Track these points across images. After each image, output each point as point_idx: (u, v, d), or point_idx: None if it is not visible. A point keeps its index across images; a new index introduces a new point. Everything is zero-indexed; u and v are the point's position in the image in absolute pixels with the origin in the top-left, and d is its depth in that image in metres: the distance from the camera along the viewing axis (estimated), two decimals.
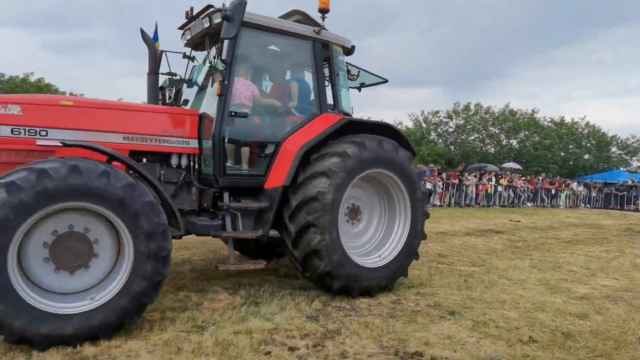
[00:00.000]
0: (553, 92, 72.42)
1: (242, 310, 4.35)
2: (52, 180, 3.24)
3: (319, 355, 3.45)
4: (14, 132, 3.86)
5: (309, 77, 5.62)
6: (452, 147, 43.81)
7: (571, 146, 46.12)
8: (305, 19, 5.49)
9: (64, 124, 4.08)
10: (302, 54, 5.41)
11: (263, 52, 5.49)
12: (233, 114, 4.76)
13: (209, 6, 4.92)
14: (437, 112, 45.86)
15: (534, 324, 4.36)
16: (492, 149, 45.70)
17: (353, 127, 5.18)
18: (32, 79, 39.64)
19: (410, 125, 45.98)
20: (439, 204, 19.20)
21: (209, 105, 5.11)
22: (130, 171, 3.99)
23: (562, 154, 45.71)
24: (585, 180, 31.30)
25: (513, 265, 7.40)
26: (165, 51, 5.38)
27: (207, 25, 4.91)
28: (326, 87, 5.58)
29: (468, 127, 45.59)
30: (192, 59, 5.77)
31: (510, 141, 46.00)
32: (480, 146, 45.66)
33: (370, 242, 5.54)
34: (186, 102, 5.75)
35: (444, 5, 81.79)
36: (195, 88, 5.69)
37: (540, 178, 26.92)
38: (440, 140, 46.01)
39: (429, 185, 17.91)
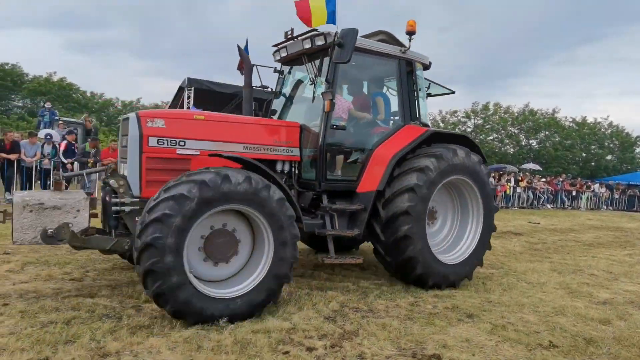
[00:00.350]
0: (575, 92, 71.12)
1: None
2: (210, 189, 3.77)
3: (336, 355, 3.46)
4: (159, 143, 4.40)
5: (387, 91, 6.25)
6: None
7: (593, 147, 45.18)
8: (389, 38, 5.96)
9: (198, 136, 4.61)
10: (389, 71, 5.96)
11: (357, 70, 5.98)
12: (334, 126, 5.26)
13: (313, 29, 5.38)
14: (455, 111, 45.50)
15: (554, 328, 4.30)
16: (511, 149, 45.09)
17: (436, 137, 5.67)
18: (55, 79, 40.60)
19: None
20: None
21: (304, 117, 5.74)
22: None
23: (584, 154, 44.81)
24: (608, 181, 30.60)
25: (532, 268, 7.31)
26: (258, 65, 5.90)
27: (307, 46, 5.40)
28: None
29: (487, 127, 45.08)
30: (281, 72, 6.36)
31: (530, 141, 45.30)
32: (499, 146, 45.09)
33: (443, 242, 5.98)
34: (274, 112, 6.25)
35: (461, 3, 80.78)
36: (282, 99, 6.30)
37: (561, 179, 26.45)
38: None
39: None
